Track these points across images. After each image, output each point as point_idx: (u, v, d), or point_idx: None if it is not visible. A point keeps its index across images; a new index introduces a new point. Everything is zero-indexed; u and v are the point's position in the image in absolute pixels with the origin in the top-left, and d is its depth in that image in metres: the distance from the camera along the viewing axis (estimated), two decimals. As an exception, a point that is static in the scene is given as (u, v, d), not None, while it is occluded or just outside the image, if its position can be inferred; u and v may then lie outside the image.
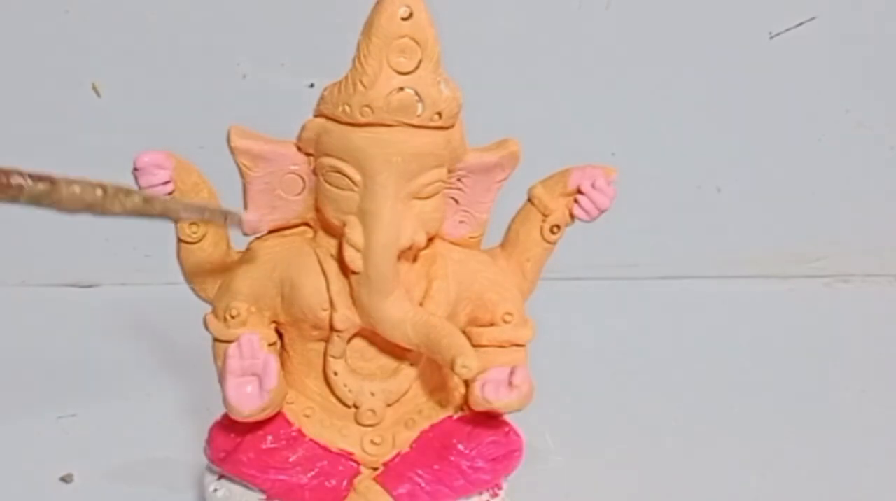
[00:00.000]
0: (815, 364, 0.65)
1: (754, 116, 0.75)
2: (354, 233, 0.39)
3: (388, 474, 0.43)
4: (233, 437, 0.43)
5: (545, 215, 0.43)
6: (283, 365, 0.43)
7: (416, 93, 0.37)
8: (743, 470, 0.52)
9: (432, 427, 0.44)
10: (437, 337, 0.40)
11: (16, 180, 0.30)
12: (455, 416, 0.44)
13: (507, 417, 0.44)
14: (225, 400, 0.40)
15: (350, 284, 0.40)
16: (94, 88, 0.70)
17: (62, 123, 0.71)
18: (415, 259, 0.42)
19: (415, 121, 0.38)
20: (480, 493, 0.44)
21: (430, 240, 0.41)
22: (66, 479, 0.50)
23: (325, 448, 0.43)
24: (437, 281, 0.42)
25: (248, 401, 0.40)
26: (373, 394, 0.43)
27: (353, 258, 0.39)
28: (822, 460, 0.53)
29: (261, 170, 0.41)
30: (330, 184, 0.39)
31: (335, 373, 0.42)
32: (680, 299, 0.74)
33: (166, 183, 0.40)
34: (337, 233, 0.40)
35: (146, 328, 0.66)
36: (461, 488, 0.43)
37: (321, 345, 0.43)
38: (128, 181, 0.40)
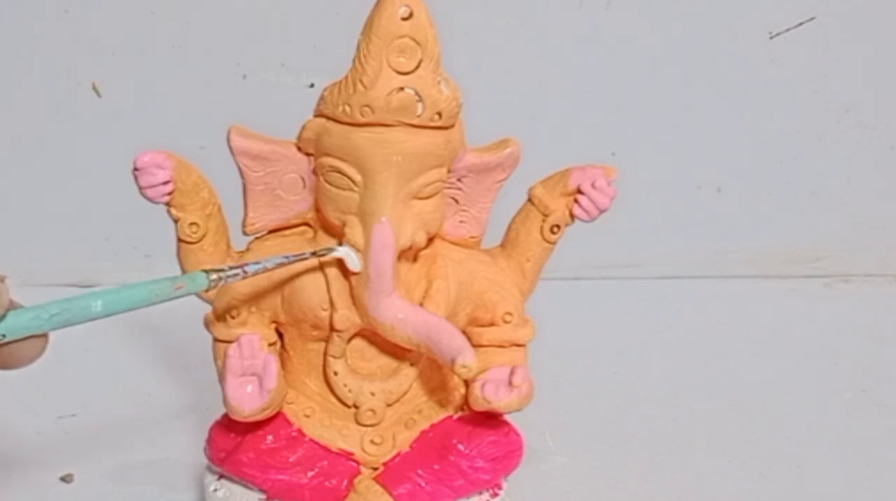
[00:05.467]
0: (816, 364, 0.65)
1: (754, 116, 0.75)
2: (354, 233, 0.39)
3: (388, 474, 0.43)
4: (233, 437, 0.43)
5: (545, 215, 0.43)
6: (283, 365, 0.43)
7: (416, 93, 0.37)
8: (742, 470, 0.52)
9: (432, 427, 0.44)
10: (437, 337, 0.40)
11: None
12: (455, 416, 0.44)
13: (507, 417, 0.44)
14: (225, 400, 0.40)
15: (350, 284, 0.40)
16: (94, 88, 0.70)
17: (62, 123, 0.71)
18: (415, 259, 0.42)
19: (415, 121, 0.38)
20: (480, 493, 0.44)
21: (430, 240, 0.41)
22: (66, 479, 0.50)
23: (325, 448, 0.43)
24: (437, 281, 0.42)
25: (248, 401, 0.40)
26: (373, 394, 0.43)
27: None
28: (822, 460, 0.53)
29: (261, 170, 0.41)
30: (330, 184, 0.39)
31: (335, 373, 0.42)
32: (680, 299, 0.74)
33: (166, 183, 0.40)
34: (337, 233, 0.40)
35: (146, 328, 0.66)
36: (461, 488, 0.43)
37: (321, 345, 0.43)
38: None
